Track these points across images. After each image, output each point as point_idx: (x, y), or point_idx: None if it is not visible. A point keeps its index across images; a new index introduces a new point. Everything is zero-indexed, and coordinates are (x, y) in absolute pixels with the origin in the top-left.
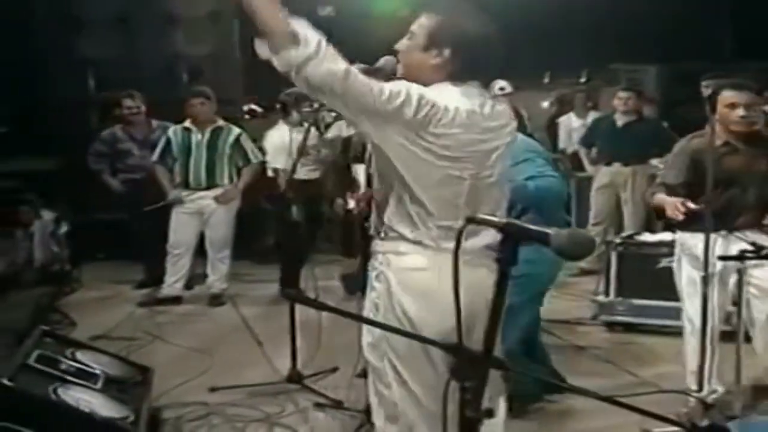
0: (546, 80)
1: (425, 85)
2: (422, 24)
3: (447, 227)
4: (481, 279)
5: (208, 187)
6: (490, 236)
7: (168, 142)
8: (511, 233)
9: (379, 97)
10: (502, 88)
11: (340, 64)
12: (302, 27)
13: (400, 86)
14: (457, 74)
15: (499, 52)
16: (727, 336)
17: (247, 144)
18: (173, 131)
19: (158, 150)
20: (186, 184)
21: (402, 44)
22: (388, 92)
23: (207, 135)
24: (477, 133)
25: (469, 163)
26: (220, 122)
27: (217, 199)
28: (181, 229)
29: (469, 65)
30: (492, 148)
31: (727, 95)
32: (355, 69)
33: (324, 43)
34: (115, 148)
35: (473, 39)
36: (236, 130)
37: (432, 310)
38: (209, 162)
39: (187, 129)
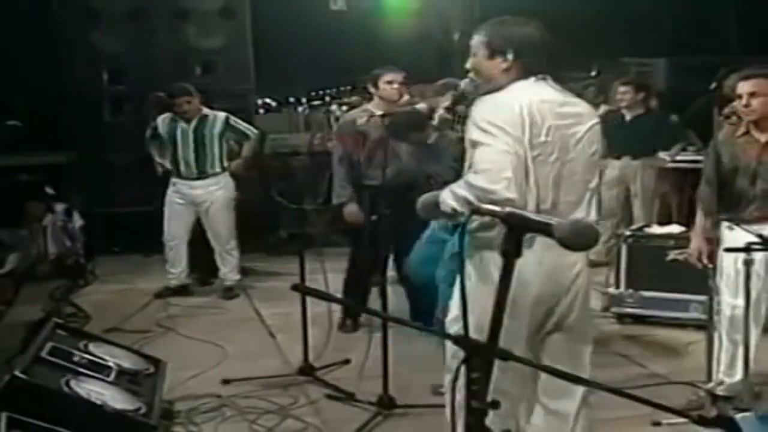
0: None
1: (503, 86)
2: (478, 41)
3: (535, 211)
4: (556, 263)
5: (198, 177)
6: (579, 217)
7: (155, 128)
8: (513, 224)
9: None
10: None
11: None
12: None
13: (486, 146)
14: (526, 71)
15: (552, 48)
16: None
17: (239, 123)
18: (162, 119)
19: (148, 132)
20: (178, 174)
21: (471, 62)
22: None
23: (193, 124)
24: (556, 119)
25: (555, 147)
26: (205, 111)
27: (229, 172)
28: (175, 220)
29: (531, 62)
30: (573, 133)
31: (738, 86)
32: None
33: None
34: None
35: (528, 40)
36: (222, 115)
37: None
38: (197, 151)
39: (173, 119)
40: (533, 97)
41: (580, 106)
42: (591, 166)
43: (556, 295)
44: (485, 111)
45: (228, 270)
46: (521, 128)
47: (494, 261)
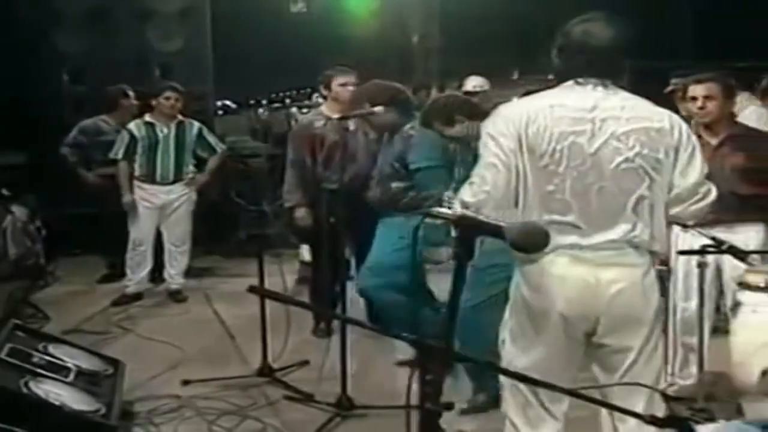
0: (515, 77)
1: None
2: None
3: (553, 222)
4: (584, 280)
5: (174, 181)
6: (620, 231)
7: (131, 137)
8: (466, 227)
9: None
10: (474, 86)
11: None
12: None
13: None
14: (563, 71)
15: (595, 53)
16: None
17: (210, 136)
18: (135, 126)
19: (123, 146)
20: (152, 179)
21: None
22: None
23: (173, 129)
24: (569, 125)
25: (564, 155)
26: (180, 117)
27: (188, 183)
28: (145, 226)
29: (567, 63)
30: (590, 140)
31: (690, 89)
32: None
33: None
34: (95, 139)
35: (571, 40)
36: (197, 124)
37: (542, 299)
38: (177, 156)
39: (150, 123)
40: (546, 103)
41: (617, 111)
42: (623, 174)
43: (587, 317)
44: (489, 121)
45: (176, 272)
46: (518, 137)
47: (522, 279)
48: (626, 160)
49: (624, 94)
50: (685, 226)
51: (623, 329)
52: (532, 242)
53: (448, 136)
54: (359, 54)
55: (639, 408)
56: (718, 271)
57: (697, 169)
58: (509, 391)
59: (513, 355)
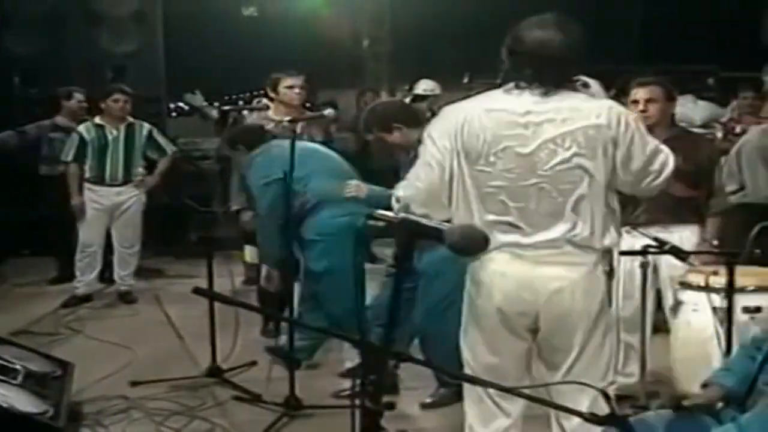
0: (465, 80)
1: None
2: None
3: (493, 222)
4: (525, 276)
5: (124, 183)
6: (560, 230)
7: (81, 139)
8: (407, 230)
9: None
10: (425, 90)
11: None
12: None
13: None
14: (508, 74)
15: (539, 56)
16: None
17: (160, 138)
18: (85, 128)
19: (73, 148)
20: (102, 181)
21: None
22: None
23: (123, 131)
24: (505, 128)
25: (500, 157)
26: (130, 119)
27: (137, 185)
28: (94, 227)
29: (510, 67)
30: (526, 143)
31: (632, 92)
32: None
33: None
34: (47, 136)
35: (516, 44)
36: (147, 126)
37: (482, 294)
38: (126, 157)
39: (99, 126)
40: (483, 107)
41: (553, 114)
42: (560, 176)
43: (526, 314)
44: (431, 123)
45: (126, 273)
46: (454, 138)
47: (469, 278)
48: (563, 161)
49: (562, 95)
50: (631, 226)
51: (564, 327)
52: (472, 245)
53: (389, 143)
54: (310, 57)
55: (584, 406)
56: (656, 271)
57: (638, 156)
58: (465, 385)
59: (465, 352)
